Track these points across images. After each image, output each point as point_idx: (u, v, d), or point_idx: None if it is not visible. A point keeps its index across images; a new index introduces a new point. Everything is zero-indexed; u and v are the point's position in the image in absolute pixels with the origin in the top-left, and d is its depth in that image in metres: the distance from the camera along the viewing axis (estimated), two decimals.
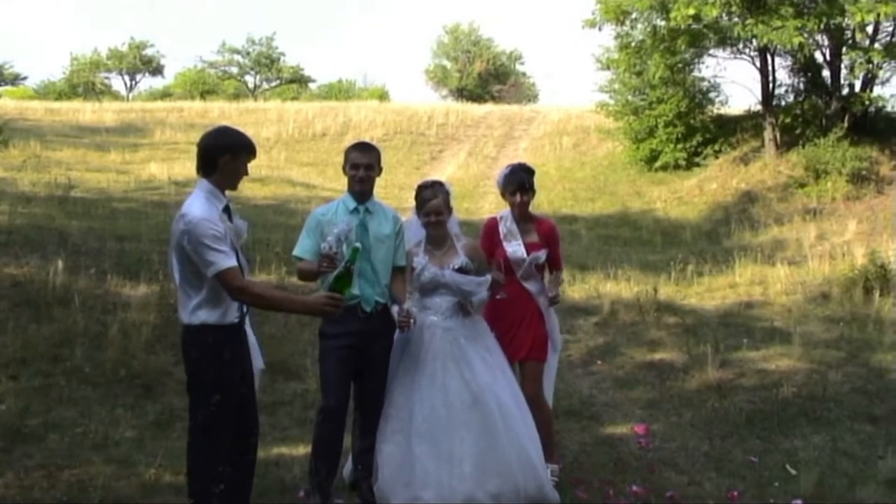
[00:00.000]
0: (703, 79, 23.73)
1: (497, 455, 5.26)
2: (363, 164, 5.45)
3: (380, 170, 5.60)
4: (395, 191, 18.66)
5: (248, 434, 4.75)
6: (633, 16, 21.03)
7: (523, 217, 5.98)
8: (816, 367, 8.78)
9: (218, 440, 4.58)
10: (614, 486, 5.88)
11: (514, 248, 5.88)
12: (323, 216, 5.46)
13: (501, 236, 5.93)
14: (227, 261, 4.35)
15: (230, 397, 4.58)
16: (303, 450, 6.04)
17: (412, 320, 5.29)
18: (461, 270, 5.52)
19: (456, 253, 5.60)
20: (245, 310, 4.67)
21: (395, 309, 5.47)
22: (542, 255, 5.90)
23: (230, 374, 4.59)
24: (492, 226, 6.05)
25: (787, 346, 9.50)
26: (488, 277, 5.53)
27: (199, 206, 4.45)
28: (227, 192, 4.64)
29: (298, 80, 64.48)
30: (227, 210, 4.58)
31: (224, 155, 4.54)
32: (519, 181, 5.91)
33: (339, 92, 61.06)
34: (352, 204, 5.47)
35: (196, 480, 4.61)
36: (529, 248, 5.89)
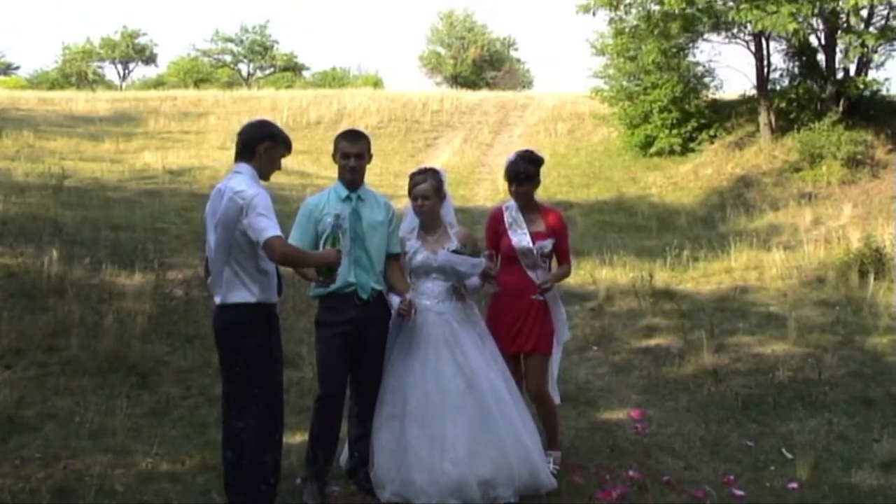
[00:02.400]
0: (697, 63, 23.65)
1: (490, 439, 5.27)
2: (353, 153, 5.44)
3: (370, 157, 5.58)
4: (390, 178, 18.63)
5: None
6: (627, 0, 20.94)
7: (528, 206, 5.90)
8: (812, 351, 8.79)
9: (275, 417, 4.96)
10: (610, 471, 5.89)
11: (520, 237, 5.80)
12: (315, 206, 5.46)
13: (507, 226, 5.85)
14: (276, 229, 4.64)
15: (280, 373, 5.02)
16: (300, 438, 6.05)
17: (413, 310, 5.31)
18: (454, 253, 5.52)
19: (449, 239, 5.62)
20: (282, 291, 5.03)
21: (393, 298, 5.48)
22: (547, 244, 5.83)
23: (279, 349, 5.00)
24: (497, 216, 5.98)
25: (782, 331, 9.51)
26: (482, 259, 5.53)
27: (247, 184, 4.75)
28: None
29: (292, 68, 64.23)
30: None
31: (264, 142, 4.89)
32: (514, 171, 5.83)
33: (333, 80, 60.89)
34: (343, 192, 5.47)
35: (259, 459, 4.86)
36: (535, 237, 5.81)
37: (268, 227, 4.62)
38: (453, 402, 5.30)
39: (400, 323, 5.49)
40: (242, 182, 4.78)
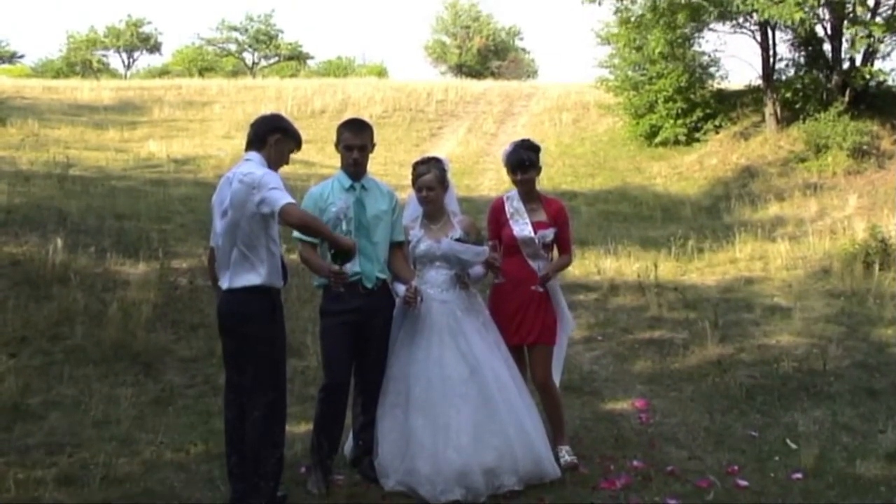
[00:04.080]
0: (703, 53, 23.53)
1: (494, 427, 5.28)
2: (356, 145, 5.44)
3: (373, 146, 5.58)
4: (394, 168, 18.60)
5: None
6: None
7: (529, 196, 5.89)
8: (817, 341, 8.77)
9: (278, 410, 5.00)
10: (615, 461, 5.89)
11: (521, 227, 5.79)
12: (319, 196, 5.45)
13: (508, 216, 5.84)
14: (289, 197, 4.72)
15: (284, 361, 5.07)
16: (304, 427, 6.06)
17: (419, 297, 5.32)
18: (458, 241, 5.52)
19: (452, 227, 5.62)
20: (287, 277, 5.07)
21: (398, 286, 5.48)
22: (549, 233, 5.83)
23: (283, 337, 5.05)
24: (498, 206, 5.97)
25: (787, 321, 9.50)
26: (485, 248, 5.54)
27: (255, 168, 4.84)
28: None
29: (297, 57, 64.14)
30: None
31: (275, 134, 4.98)
32: (517, 159, 5.83)
33: (338, 69, 60.79)
34: (347, 182, 5.46)
35: (262, 448, 4.90)
36: (536, 227, 5.79)
37: (281, 197, 4.70)
38: (457, 390, 5.31)
39: (404, 311, 5.50)
40: (251, 166, 4.86)
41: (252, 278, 4.83)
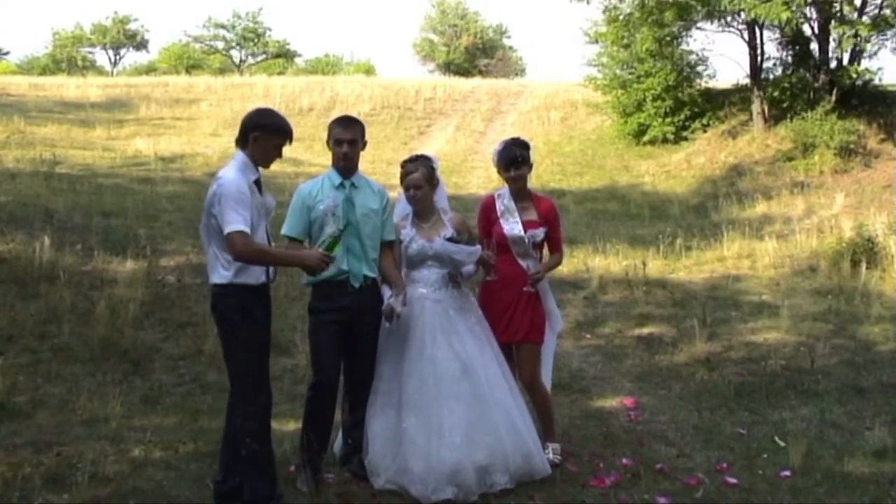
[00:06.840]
0: (691, 52, 23.66)
1: (486, 425, 5.28)
2: (346, 139, 5.41)
3: (364, 143, 5.55)
4: (382, 166, 18.58)
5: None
6: None
7: (520, 194, 5.89)
8: (804, 339, 8.82)
9: (258, 398, 4.91)
10: (604, 458, 5.90)
11: (511, 225, 5.78)
12: (308, 194, 5.44)
13: (498, 214, 5.83)
14: (240, 224, 4.59)
15: (265, 356, 4.95)
16: (293, 425, 6.04)
17: (396, 316, 5.25)
18: (450, 241, 5.51)
19: (443, 225, 5.60)
20: (272, 273, 4.98)
21: (385, 290, 5.46)
22: (539, 232, 5.83)
23: (263, 333, 4.93)
24: (488, 204, 5.96)
25: (774, 319, 9.54)
26: (478, 248, 5.53)
27: (231, 172, 4.78)
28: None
29: (284, 55, 64.09)
30: (257, 183, 4.88)
31: (254, 132, 4.86)
32: (510, 156, 5.82)
33: (326, 66, 60.77)
34: (337, 179, 5.43)
35: (251, 447, 4.86)
36: (527, 226, 5.79)
37: (232, 221, 4.57)
38: (449, 389, 5.30)
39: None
40: (229, 168, 4.84)
41: (221, 276, 4.81)
